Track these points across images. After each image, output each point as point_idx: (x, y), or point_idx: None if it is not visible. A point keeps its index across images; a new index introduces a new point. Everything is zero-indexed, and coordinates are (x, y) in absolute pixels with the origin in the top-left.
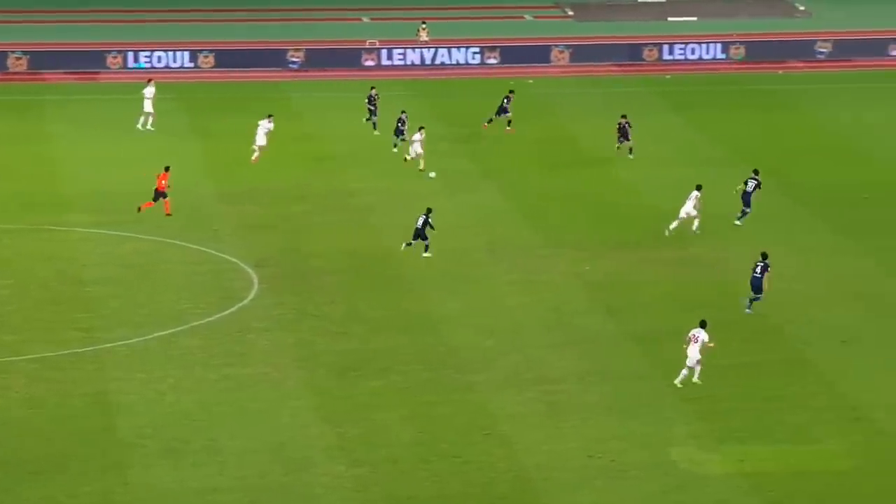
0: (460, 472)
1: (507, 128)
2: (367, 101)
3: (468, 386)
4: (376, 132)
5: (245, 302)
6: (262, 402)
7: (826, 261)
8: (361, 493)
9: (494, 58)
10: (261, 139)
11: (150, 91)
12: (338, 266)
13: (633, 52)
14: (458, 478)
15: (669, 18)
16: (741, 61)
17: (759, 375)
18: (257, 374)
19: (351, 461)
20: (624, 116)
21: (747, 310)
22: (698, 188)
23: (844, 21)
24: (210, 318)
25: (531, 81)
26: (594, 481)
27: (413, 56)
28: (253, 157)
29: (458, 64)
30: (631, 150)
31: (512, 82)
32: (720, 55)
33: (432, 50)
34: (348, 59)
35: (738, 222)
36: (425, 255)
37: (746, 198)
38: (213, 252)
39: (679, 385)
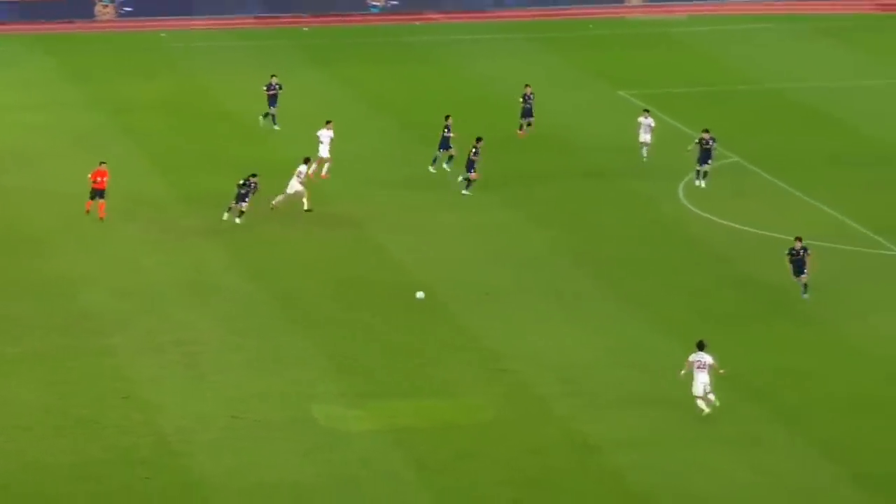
0: (99, 437)
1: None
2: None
3: (105, 350)
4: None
5: None
6: None
7: (474, 216)
8: None
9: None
10: (324, 151)
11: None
12: None
13: (271, 4)
14: (96, 443)
15: None
16: (380, 13)
17: (402, 331)
18: None
19: None
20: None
21: (804, 296)
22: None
23: None
24: None
25: (164, 35)
26: (237, 442)
27: None
28: (323, 173)
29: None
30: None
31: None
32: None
33: None
34: None
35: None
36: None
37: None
38: None
39: (702, 414)
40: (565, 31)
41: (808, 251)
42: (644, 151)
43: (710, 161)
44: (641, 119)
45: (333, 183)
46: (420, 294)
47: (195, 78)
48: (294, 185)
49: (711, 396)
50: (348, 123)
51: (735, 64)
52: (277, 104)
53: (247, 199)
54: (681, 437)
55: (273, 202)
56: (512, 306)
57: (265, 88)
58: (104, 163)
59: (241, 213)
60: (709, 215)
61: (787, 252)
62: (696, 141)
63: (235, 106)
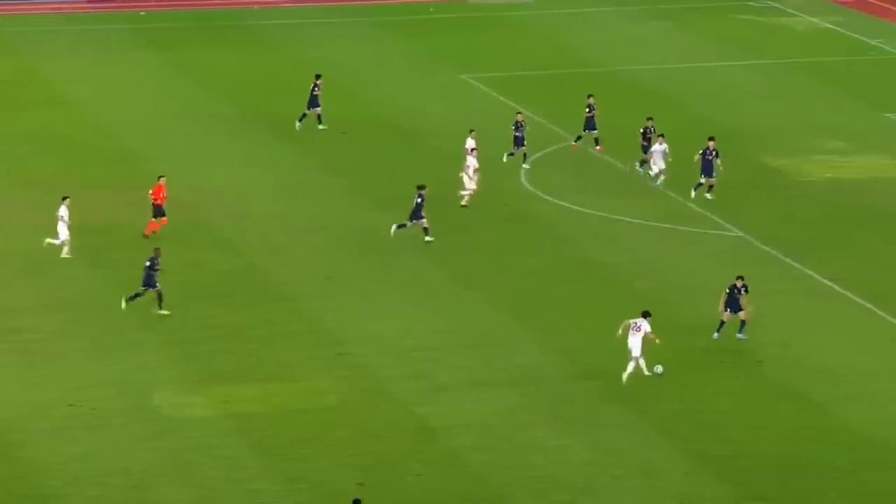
0: None
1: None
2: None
3: None
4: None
5: None
6: None
7: (313, 198)
8: None
9: None
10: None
11: None
12: None
13: None
14: None
15: None
16: None
17: (241, 316)
18: None
19: None
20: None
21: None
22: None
23: None
24: None
25: None
26: (75, 430)
27: None
28: (464, 201)
29: None
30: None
31: None
32: None
33: None
34: None
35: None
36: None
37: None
38: None
39: (625, 380)
40: (406, 13)
41: (747, 289)
42: (659, 181)
43: (714, 174)
44: (656, 146)
45: (174, 167)
46: (658, 368)
47: (28, 63)
48: (467, 181)
49: (642, 361)
50: (187, 107)
51: (576, 46)
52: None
53: (423, 213)
54: (518, 418)
55: (462, 202)
56: (352, 290)
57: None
58: (163, 177)
59: (426, 228)
60: (550, 198)
61: (726, 289)
62: (700, 152)
63: (70, 91)
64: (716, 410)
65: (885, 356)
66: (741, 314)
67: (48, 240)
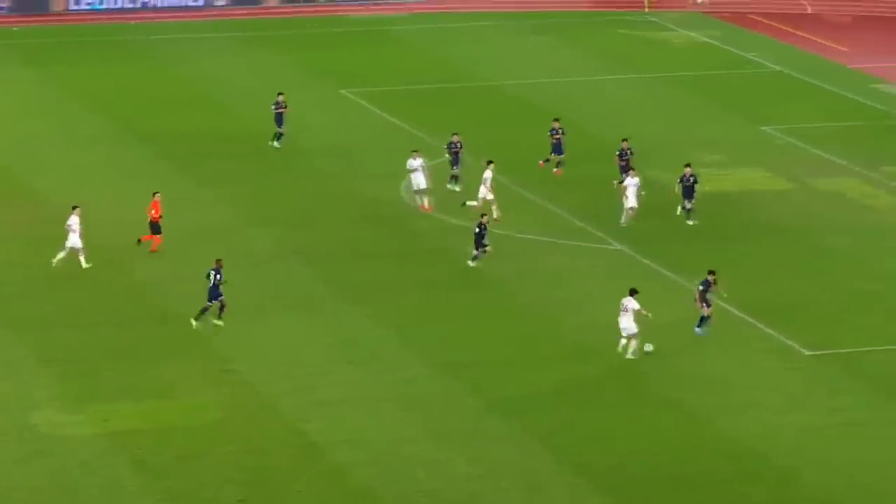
0: None
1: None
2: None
3: None
4: None
5: None
6: None
7: (194, 216)
8: None
9: None
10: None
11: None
12: None
13: None
14: None
15: None
16: (92, 12)
17: (122, 332)
18: None
19: None
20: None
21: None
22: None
23: None
24: None
25: None
26: None
27: None
28: (496, 215)
29: None
30: None
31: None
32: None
33: None
34: None
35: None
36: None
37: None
38: None
39: (631, 357)
40: (284, 29)
41: (716, 283)
42: (623, 217)
43: (693, 197)
44: (629, 180)
45: (49, 183)
46: (648, 346)
47: None
48: (484, 193)
49: (634, 343)
50: (62, 123)
51: (458, 61)
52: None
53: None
54: (402, 432)
55: (495, 217)
56: (237, 306)
57: (273, 106)
58: (158, 193)
59: (475, 257)
60: (436, 213)
61: (700, 285)
62: (678, 179)
63: None
64: (599, 422)
65: (764, 368)
66: (705, 310)
67: (59, 256)
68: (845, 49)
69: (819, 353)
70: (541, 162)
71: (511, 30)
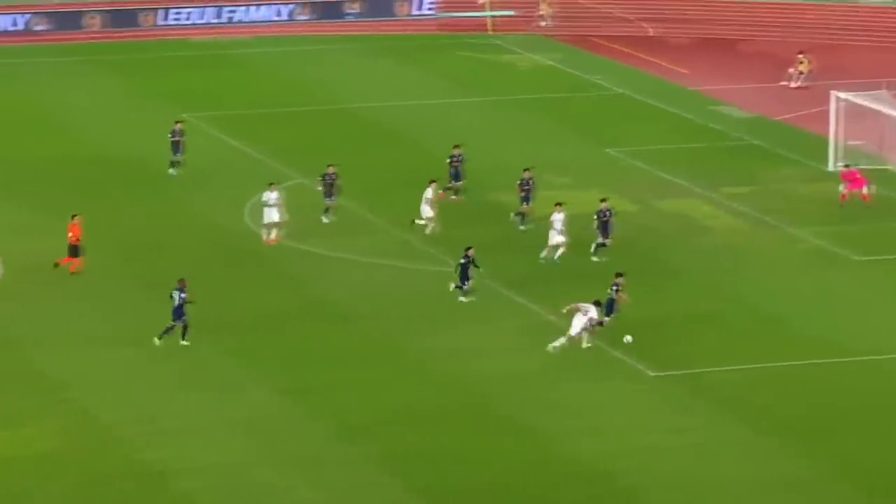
0: None
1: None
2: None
3: None
4: None
5: None
6: None
7: (29, 240)
8: None
9: None
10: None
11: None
12: None
13: None
14: None
15: None
16: None
17: None
18: None
19: None
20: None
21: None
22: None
23: None
24: None
25: None
26: None
27: None
28: (428, 231)
29: None
30: None
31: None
32: None
33: None
34: None
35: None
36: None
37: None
38: None
39: (552, 350)
40: (125, 53)
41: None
42: (551, 252)
43: (609, 234)
44: (555, 215)
45: None
46: (628, 338)
47: None
48: (427, 211)
49: (574, 341)
50: None
51: (302, 84)
52: None
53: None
54: (247, 459)
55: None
56: (75, 335)
57: (169, 135)
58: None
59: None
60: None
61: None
62: (595, 214)
63: None
64: (445, 446)
65: (611, 389)
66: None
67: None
68: (685, 71)
69: (664, 374)
70: (441, 192)
71: (354, 53)
